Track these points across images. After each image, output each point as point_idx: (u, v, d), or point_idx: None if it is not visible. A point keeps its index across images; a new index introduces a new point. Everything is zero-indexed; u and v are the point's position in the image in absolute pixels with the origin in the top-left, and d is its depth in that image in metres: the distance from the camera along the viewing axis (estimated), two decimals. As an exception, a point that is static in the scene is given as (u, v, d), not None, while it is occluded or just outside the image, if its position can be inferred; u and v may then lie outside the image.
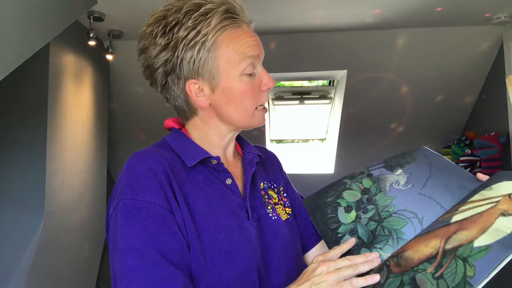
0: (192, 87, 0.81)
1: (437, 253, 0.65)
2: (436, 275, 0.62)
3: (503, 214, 0.64)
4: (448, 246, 0.65)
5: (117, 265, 0.70)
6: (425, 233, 0.71)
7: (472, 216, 0.67)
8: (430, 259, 0.65)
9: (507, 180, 0.70)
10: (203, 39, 0.77)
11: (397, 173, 0.87)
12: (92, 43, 2.48)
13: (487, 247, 0.61)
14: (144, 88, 2.98)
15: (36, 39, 1.69)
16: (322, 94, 3.35)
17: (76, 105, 2.55)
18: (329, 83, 3.35)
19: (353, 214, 0.84)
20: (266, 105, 0.88)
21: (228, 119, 0.84)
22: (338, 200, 0.88)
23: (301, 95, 3.34)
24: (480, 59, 2.84)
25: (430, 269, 0.64)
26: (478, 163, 2.81)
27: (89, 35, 2.44)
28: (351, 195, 0.88)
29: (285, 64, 2.98)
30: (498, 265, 0.59)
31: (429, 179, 0.82)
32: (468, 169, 2.81)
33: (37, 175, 2.20)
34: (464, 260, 0.61)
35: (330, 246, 0.83)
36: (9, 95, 2.23)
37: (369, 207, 0.83)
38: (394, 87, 3.06)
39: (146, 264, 0.68)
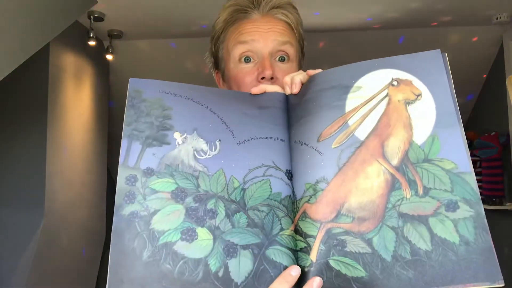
0: (216, 76, 0.90)
1: (392, 176, 0.51)
2: (420, 192, 0.50)
3: (408, 103, 0.54)
4: (393, 162, 0.52)
5: None
6: (338, 172, 0.53)
7: (377, 123, 0.54)
8: (392, 187, 0.51)
9: (367, 72, 0.58)
10: (217, 32, 0.85)
11: (179, 141, 0.56)
12: (92, 43, 2.49)
13: (432, 136, 0.51)
14: (144, 88, 2.97)
15: (36, 39, 1.69)
16: (322, 94, 3.33)
17: (76, 105, 2.55)
18: (329, 83, 3.34)
19: (204, 235, 0.51)
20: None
21: None
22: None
23: (301, 95, 3.32)
24: (480, 59, 2.84)
25: (407, 193, 0.50)
26: (478, 163, 2.81)
27: (89, 35, 2.44)
28: (165, 223, 0.52)
29: (285, 64, 2.98)
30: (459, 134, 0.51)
31: (224, 123, 0.58)
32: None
33: (37, 175, 2.20)
34: (428, 161, 0.51)
35: None
36: (9, 95, 2.23)
37: (209, 205, 0.53)
38: (394, 87, 3.06)
39: None
